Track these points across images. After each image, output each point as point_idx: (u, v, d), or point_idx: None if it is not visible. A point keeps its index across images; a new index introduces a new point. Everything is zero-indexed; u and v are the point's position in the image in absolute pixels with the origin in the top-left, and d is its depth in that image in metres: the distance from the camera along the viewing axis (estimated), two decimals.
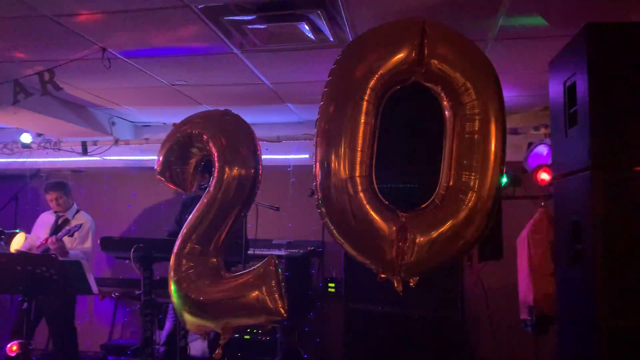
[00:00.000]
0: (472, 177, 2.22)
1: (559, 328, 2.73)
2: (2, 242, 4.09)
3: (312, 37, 3.03)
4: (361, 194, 2.25)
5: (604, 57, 2.27)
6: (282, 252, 5.37)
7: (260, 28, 2.88)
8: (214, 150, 2.97)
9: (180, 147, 3.10)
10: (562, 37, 2.80)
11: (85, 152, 5.60)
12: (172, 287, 2.84)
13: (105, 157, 5.71)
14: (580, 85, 2.42)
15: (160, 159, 3.14)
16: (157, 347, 4.40)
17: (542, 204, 4.62)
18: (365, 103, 2.26)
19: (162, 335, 4.61)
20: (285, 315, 2.68)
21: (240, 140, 2.97)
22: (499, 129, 2.25)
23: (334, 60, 3.49)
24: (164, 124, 5.85)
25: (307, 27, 2.89)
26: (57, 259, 3.80)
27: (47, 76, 3.32)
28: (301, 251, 5.36)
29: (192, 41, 3.26)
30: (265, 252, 5.30)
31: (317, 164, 2.29)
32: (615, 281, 2.24)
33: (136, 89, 4.43)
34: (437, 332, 2.54)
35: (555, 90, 2.78)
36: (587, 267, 2.36)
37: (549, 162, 4.75)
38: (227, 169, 2.90)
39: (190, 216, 2.99)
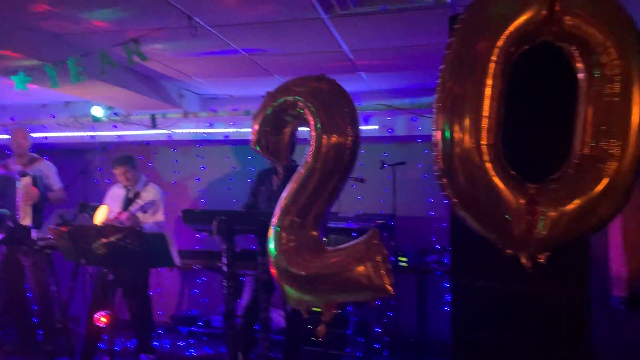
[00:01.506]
0: (613, 145, 2.04)
1: None
2: (87, 215, 4.13)
3: None
4: (488, 164, 2.09)
5: None
6: (352, 225, 5.28)
7: None
8: (310, 118, 2.85)
9: (275, 115, 3.00)
10: None
11: (154, 125, 5.59)
12: (272, 260, 2.78)
13: (173, 130, 5.69)
14: None
15: (255, 128, 3.04)
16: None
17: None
18: (492, 64, 2.09)
19: (239, 307, 4.62)
20: (392, 292, 2.58)
21: (337, 106, 2.85)
22: None
23: (428, 23, 3.35)
24: (231, 96, 5.77)
25: None
26: (142, 231, 3.80)
27: (132, 46, 3.25)
28: (371, 224, 5.24)
29: (279, 6, 3.13)
30: (334, 225, 5.23)
31: (439, 132, 2.14)
32: None
33: (210, 59, 4.34)
34: (557, 312, 2.39)
35: None
36: None
37: None
38: (324, 138, 2.79)
39: (287, 188, 2.90)
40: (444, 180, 2.16)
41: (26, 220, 4.58)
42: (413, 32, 3.52)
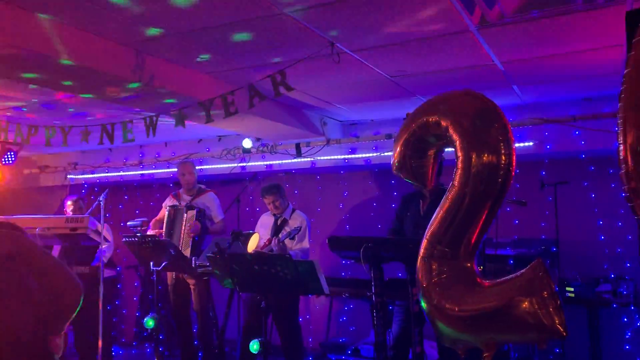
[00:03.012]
0: None
1: None
2: (240, 243, 4.29)
3: None
4: None
5: None
6: (508, 252, 4.84)
7: None
8: (455, 137, 2.64)
9: (417, 138, 2.84)
10: None
11: (299, 154, 5.71)
12: (422, 294, 2.58)
13: (317, 158, 5.77)
14: None
15: (396, 153, 2.90)
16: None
17: None
18: None
19: (389, 339, 4.45)
20: (564, 333, 2.24)
21: (487, 122, 2.60)
22: None
23: (593, 24, 2.96)
24: (372, 120, 5.71)
25: None
26: (292, 259, 3.84)
27: (279, 78, 3.31)
28: (531, 250, 4.77)
29: (425, 23, 2.98)
30: (489, 251, 4.84)
31: (626, 147, 1.81)
32: None
33: (352, 85, 4.31)
34: None
35: None
36: None
37: None
38: (474, 157, 2.56)
39: (435, 215, 2.70)
40: (637, 202, 1.81)
41: (187, 251, 4.87)
42: (575, 36, 3.13)
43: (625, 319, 4.83)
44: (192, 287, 5.00)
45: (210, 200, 5.26)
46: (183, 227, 4.96)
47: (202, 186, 5.39)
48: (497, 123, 2.59)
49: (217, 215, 5.26)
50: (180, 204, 5.21)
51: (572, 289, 4.64)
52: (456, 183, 2.63)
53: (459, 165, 2.63)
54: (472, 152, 2.58)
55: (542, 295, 2.29)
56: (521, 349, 4.64)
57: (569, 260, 4.87)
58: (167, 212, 5.14)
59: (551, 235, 4.85)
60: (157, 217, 5.32)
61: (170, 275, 5.08)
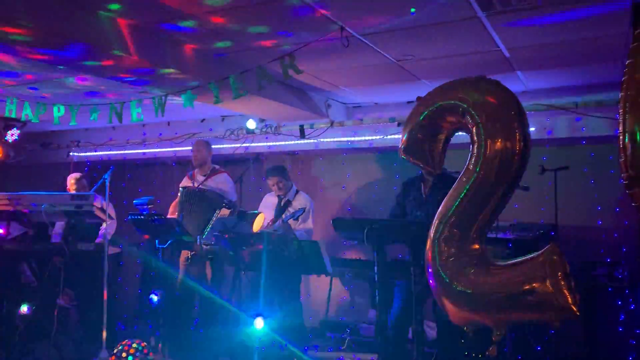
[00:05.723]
0: None
1: None
2: (245, 222, 4.35)
3: None
4: None
5: None
6: (507, 236, 4.93)
7: None
8: (472, 122, 2.69)
9: (429, 121, 2.88)
10: None
11: (303, 135, 5.75)
12: (433, 274, 2.66)
13: (320, 140, 5.81)
14: None
15: (405, 136, 2.94)
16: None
17: None
18: None
19: (389, 318, 4.54)
20: (578, 312, 2.34)
21: (503, 108, 2.66)
22: None
23: (600, 14, 3.00)
24: (376, 103, 5.75)
25: None
26: (297, 239, 3.92)
27: (287, 60, 3.34)
28: (530, 234, 4.85)
29: (434, 7, 3.02)
30: (488, 235, 4.91)
31: (626, 136, 1.88)
32: None
33: (358, 68, 4.34)
34: None
35: None
36: None
37: None
38: (488, 143, 2.62)
39: (447, 198, 2.77)
40: (636, 190, 1.88)
41: (193, 230, 4.75)
42: (581, 25, 3.18)
43: (620, 302, 4.95)
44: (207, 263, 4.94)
45: (223, 182, 5.14)
46: (213, 219, 4.72)
47: (217, 167, 5.25)
48: (513, 110, 2.65)
49: (230, 197, 5.15)
50: (193, 184, 5.11)
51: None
52: (471, 167, 2.69)
53: (475, 150, 2.69)
54: (489, 138, 2.64)
55: (556, 277, 2.38)
56: (517, 330, 4.75)
57: (566, 245, 4.93)
58: (184, 192, 4.90)
59: (550, 219, 4.92)
60: (177, 200, 5.10)
61: (185, 252, 5.01)
